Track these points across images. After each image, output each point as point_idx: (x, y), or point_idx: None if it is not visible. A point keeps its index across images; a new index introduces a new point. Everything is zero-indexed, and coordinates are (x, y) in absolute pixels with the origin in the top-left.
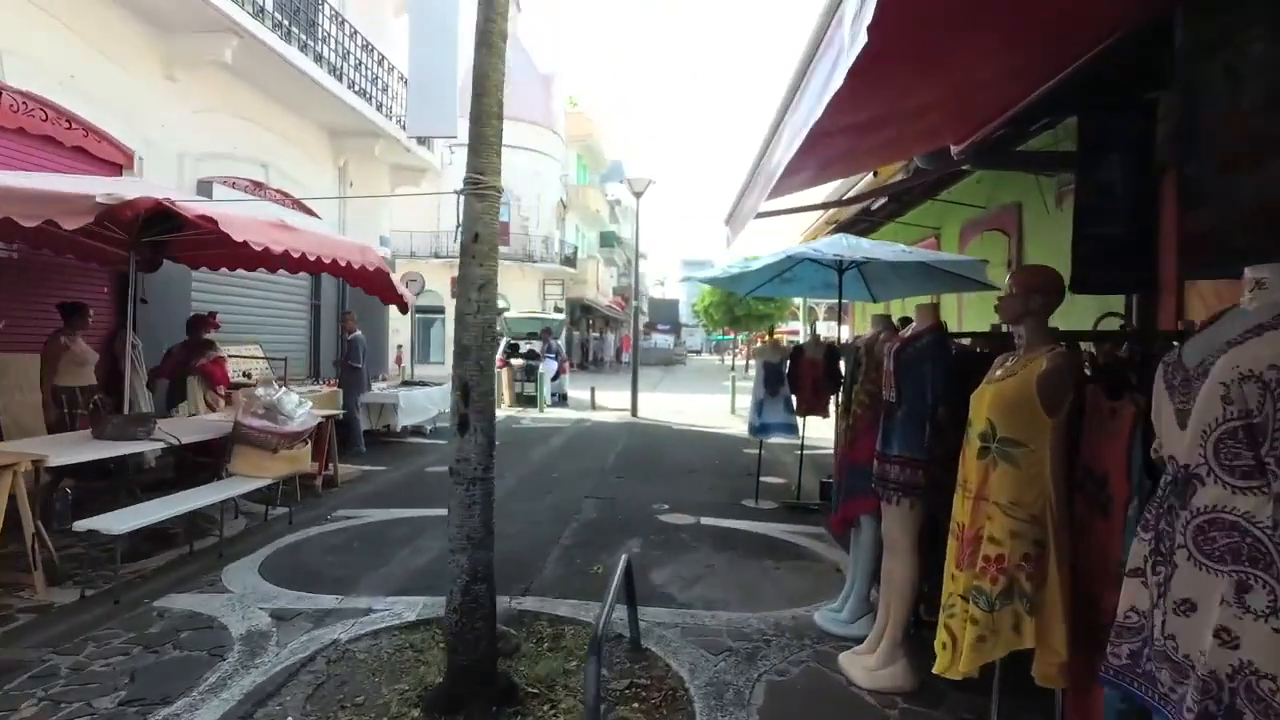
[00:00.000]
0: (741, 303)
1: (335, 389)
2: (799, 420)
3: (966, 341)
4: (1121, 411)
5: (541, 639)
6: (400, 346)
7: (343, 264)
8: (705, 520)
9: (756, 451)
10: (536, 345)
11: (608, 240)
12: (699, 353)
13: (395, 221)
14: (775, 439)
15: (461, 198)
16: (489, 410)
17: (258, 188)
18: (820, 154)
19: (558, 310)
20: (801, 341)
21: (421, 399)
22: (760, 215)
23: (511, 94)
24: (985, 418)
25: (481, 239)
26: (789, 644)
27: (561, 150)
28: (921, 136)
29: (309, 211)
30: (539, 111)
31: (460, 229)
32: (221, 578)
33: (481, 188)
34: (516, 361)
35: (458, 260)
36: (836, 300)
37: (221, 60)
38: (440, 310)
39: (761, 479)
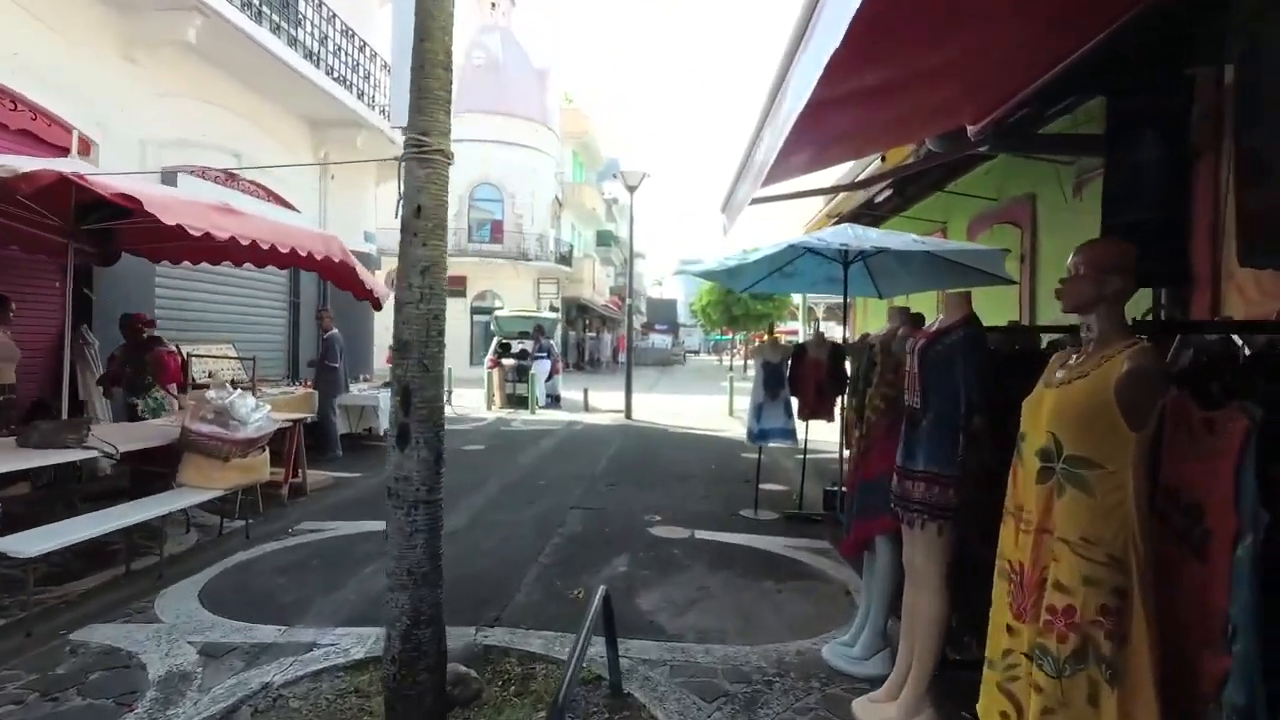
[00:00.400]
0: (739, 302)
1: (311, 390)
2: (800, 425)
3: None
4: (1223, 424)
5: (509, 680)
6: (393, 346)
7: (302, 254)
8: (700, 534)
9: (755, 457)
10: (529, 345)
11: (605, 239)
12: (697, 353)
13: (386, 219)
14: (775, 445)
15: (470, 195)
16: (435, 418)
17: (230, 179)
18: (823, 130)
19: (553, 309)
20: (803, 340)
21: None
22: (758, 200)
23: (504, 88)
24: (1046, 430)
25: (426, 213)
26: (794, 686)
27: (557, 147)
28: (934, 115)
29: (286, 205)
30: (533, 107)
31: (401, 202)
32: (155, 604)
33: (425, 151)
34: (508, 362)
35: (452, 259)
36: (840, 297)
37: (185, 40)
38: None
39: (761, 486)
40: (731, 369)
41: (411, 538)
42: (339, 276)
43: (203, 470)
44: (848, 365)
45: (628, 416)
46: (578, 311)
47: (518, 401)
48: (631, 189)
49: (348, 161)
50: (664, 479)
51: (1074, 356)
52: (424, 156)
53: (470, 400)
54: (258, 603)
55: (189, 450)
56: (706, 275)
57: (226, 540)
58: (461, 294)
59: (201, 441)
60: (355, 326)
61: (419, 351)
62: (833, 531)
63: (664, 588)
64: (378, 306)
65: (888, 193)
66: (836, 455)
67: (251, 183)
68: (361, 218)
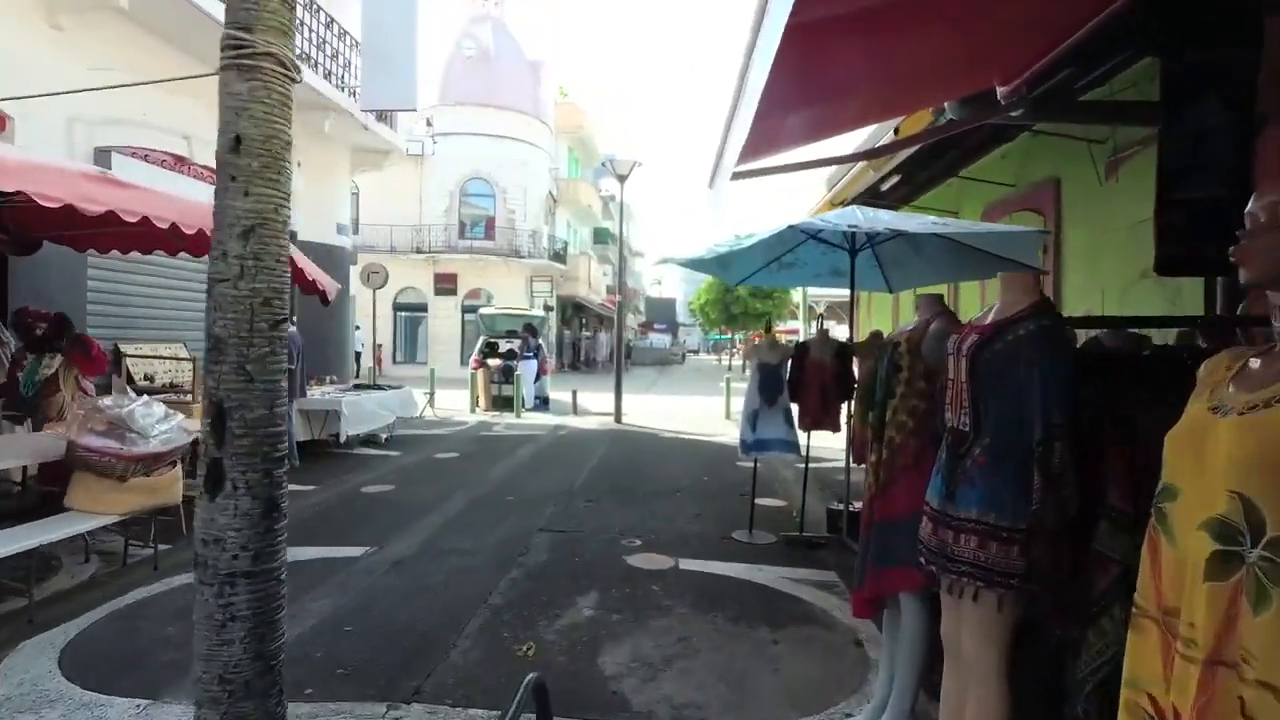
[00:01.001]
0: (738, 300)
1: None
2: (802, 436)
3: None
4: None
5: None
6: (380, 346)
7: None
8: (685, 563)
9: (751, 467)
10: (517, 344)
11: (602, 237)
12: (697, 352)
13: (373, 214)
14: (773, 456)
15: (460, 190)
16: (268, 451)
17: (179, 162)
18: (825, 75)
19: (547, 308)
20: (805, 339)
21: (371, 405)
22: (751, 174)
23: (496, 80)
24: (1227, 490)
25: (249, 147)
26: None
27: (551, 142)
28: (956, 71)
29: None
30: (526, 100)
31: (220, 133)
32: (2, 661)
33: (247, 54)
34: (493, 362)
35: (441, 256)
36: (846, 291)
37: (115, 5)
38: (424, 308)
39: (757, 501)
40: (730, 369)
41: (226, 629)
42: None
43: (93, 492)
44: (855, 367)
45: (617, 420)
46: (574, 310)
47: (504, 404)
48: (621, 178)
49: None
50: (650, 493)
51: (1249, 362)
52: (246, 63)
53: (456, 403)
54: (129, 664)
55: (78, 468)
56: (695, 265)
57: (129, 573)
58: (452, 292)
59: (91, 458)
60: (324, 324)
61: (238, 353)
62: (838, 558)
63: (636, 639)
64: (325, 301)
65: (895, 179)
66: (843, 467)
67: (205, 169)
68: (334, 208)
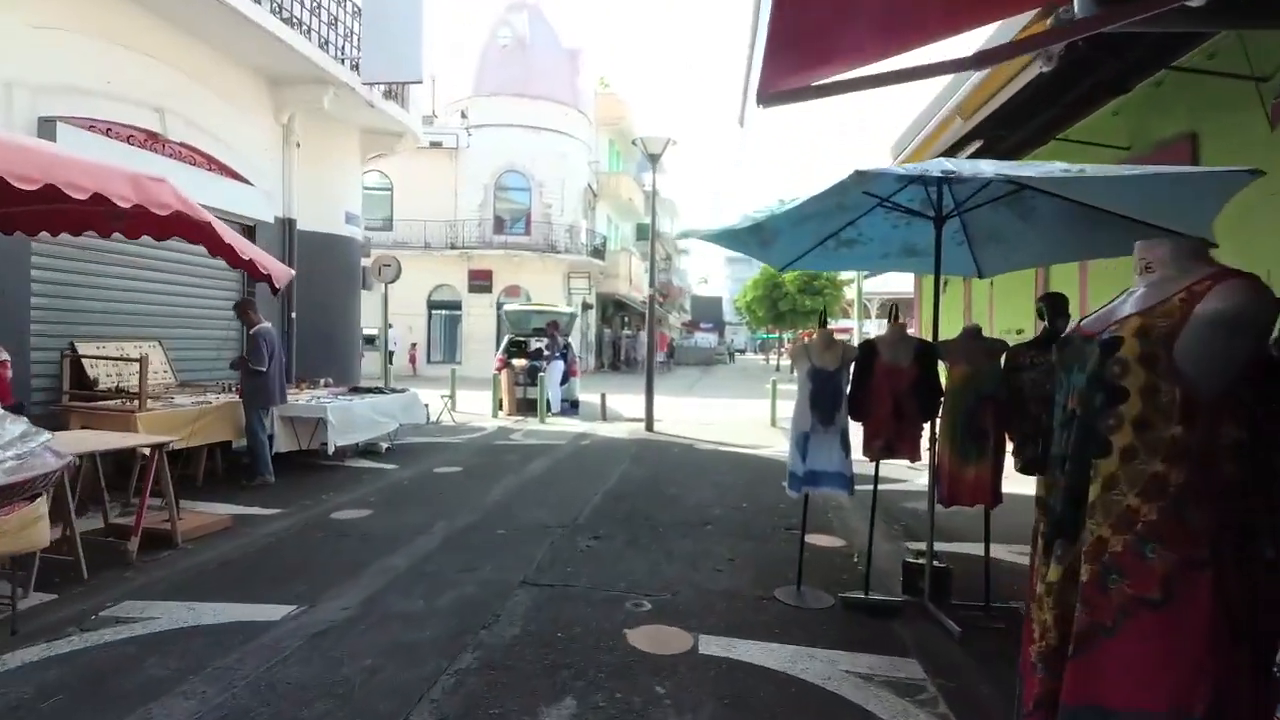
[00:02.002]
0: (786, 297)
1: (238, 401)
2: (851, 463)
3: None
4: None
5: None
6: (414, 345)
7: (81, 195)
8: (708, 643)
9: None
10: (545, 344)
11: (644, 233)
12: (743, 351)
13: (407, 209)
14: (827, 493)
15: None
16: None
17: (151, 139)
18: None
19: (586, 306)
20: (873, 336)
21: (366, 411)
22: (792, 95)
23: (532, 70)
24: None
25: None
26: None
27: (590, 134)
28: None
29: (235, 176)
30: (563, 89)
31: None
32: None
33: None
34: (518, 362)
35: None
36: (906, 283)
37: None
38: (459, 306)
39: (807, 539)
40: (778, 369)
41: None
42: (190, 236)
43: None
44: (942, 374)
45: (649, 428)
46: (614, 308)
47: (530, 407)
48: (654, 157)
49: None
50: (672, 526)
51: None
52: None
53: (482, 405)
54: None
55: None
56: (726, 240)
57: None
58: (486, 289)
59: None
60: (328, 321)
61: None
62: (920, 636)
63: None
64: (273, 289)
65: (975, 145)
66: (916, 488)
67: (182, 146)
68: (341, 195)
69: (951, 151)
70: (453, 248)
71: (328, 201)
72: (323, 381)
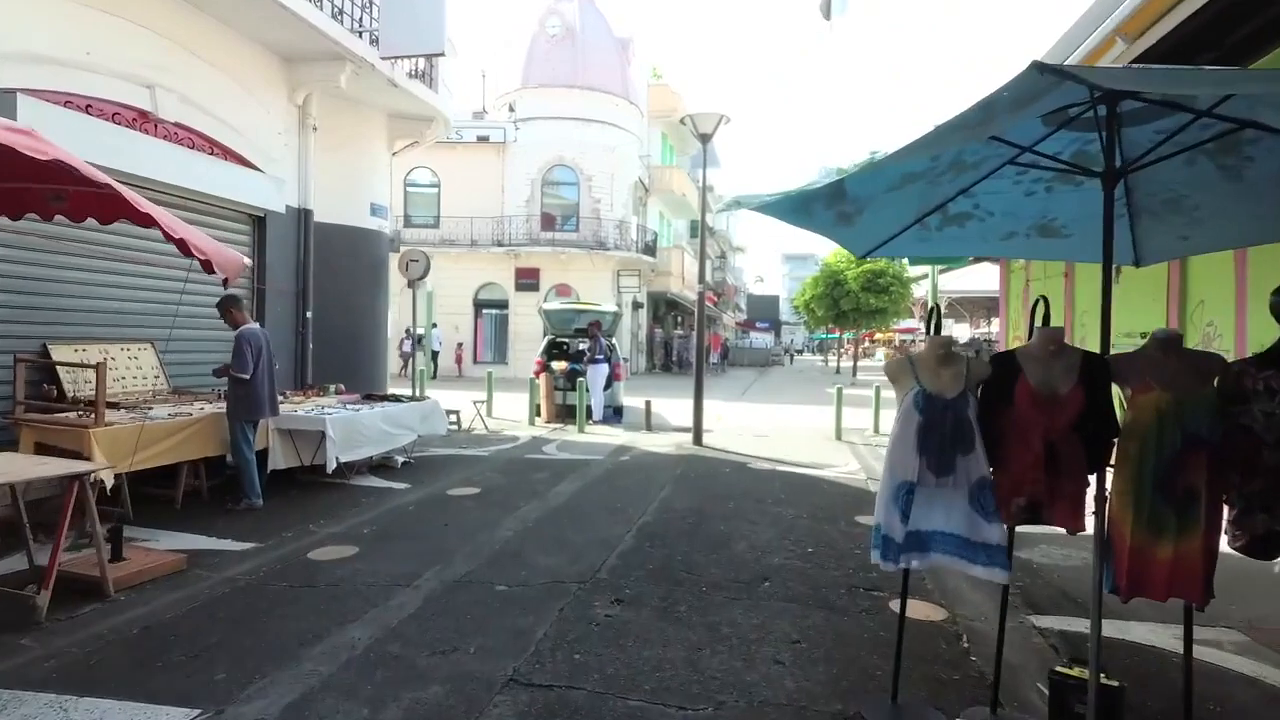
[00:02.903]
0: (848, 295)
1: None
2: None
3: None
4: None
5: None
6: (460, 345)
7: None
8: None
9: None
10: (586, 345)
11: (698, 230)
12: (801, 352)
13: (453, 206)
14: (944, 562)
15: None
16: None
17: (142, 118)
18: None
19: (636, 305)
20: (1012, 347)
21: (375, 422)
22: None
23: (581, 60)
24: None
25: None
26: None
27: (641, 126)
28: None
29: (241, 160)
30: (614, 80)
31: None
32: None
33: None
34: (558, 365)
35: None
36: (988, 278)
37: None
38: (505, 305)
39: (892, 605)
40: (839, 370)
41: None
42: (135, 218)
43: None
44: (1117, 398)
45: (697, 441)
46: (666, 307)
47: (569, 414)
48: (705, 136)
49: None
50: (719, 585)
51: None
52: None
53: (521, 411)
54: None
55: None
56: (790, 213)
57: None
58: (533, 288)
59: None
60: (350, 320)
61: None
62: None
63: None
64: (208, 269)
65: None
66: (1049, 531)
67: (178, 127)
68: (366, 185)
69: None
70: (499, 245)
71: (350, 192)
72: (334, 388)
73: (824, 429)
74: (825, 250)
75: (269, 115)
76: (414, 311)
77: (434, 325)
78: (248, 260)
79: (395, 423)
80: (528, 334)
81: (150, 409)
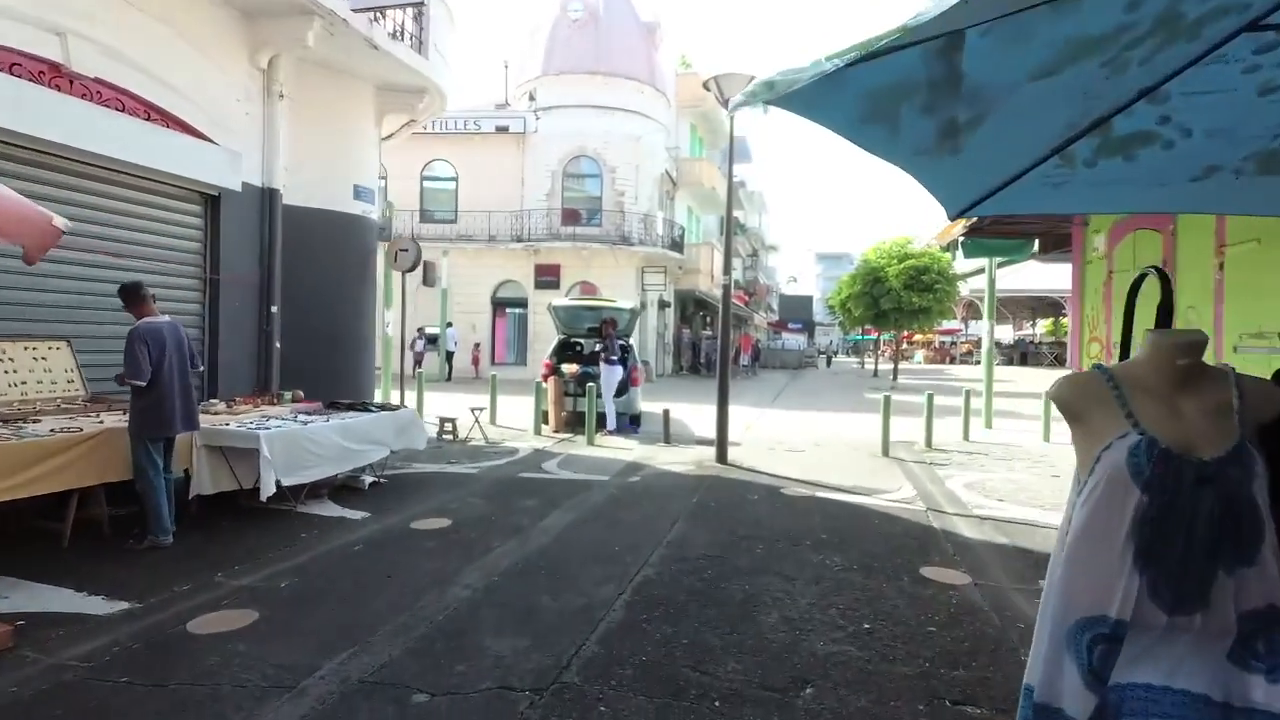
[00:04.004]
0: (889, 293)
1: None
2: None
3: None
4: None
5: None
6: (477, 345)
7: None
8: None
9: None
10: (602, 346)
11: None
12: (837, 353)
13: (471, 199)
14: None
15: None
16: None
17: (53, 71)
18: None
19: (664, 304)
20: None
21: (332, 436)
22: None
23: (605, 45)
24: None
25: None
26: None
27: (668, 115)
28: None
29: (190, 130)
30: (639, 66)
31: None
32: None
33: None
34: (568, 368)
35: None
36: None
37: None
38: (525, 303)
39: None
40: (876, 373)
41: None
42: None
43: None
44: None
45: (720, 459)
46: (695, 307)
47: (580, 423)
48: (727, 104)
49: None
50: (739, 697)
51: None
52: None
53: (529, 418)
54: None
55: None
56: (846, 115)
57: None
58: (553, 285)
59: None
60: (336, 316)
61: None
62: None
63: None
64: (29, 258)
65: None
66: None
67: (99, 84)
68: (350, 165)
69: None
70: (518, 240)
71: (331, 172)
72: (290, 395)
73: (867, 442)
74: (861, 247)
75: (225, 79)
76: (493, 315)
77: (449, 324)
78: (61, 223)
79: (359, 437)
80: (547, 334)
81: (38, 421)
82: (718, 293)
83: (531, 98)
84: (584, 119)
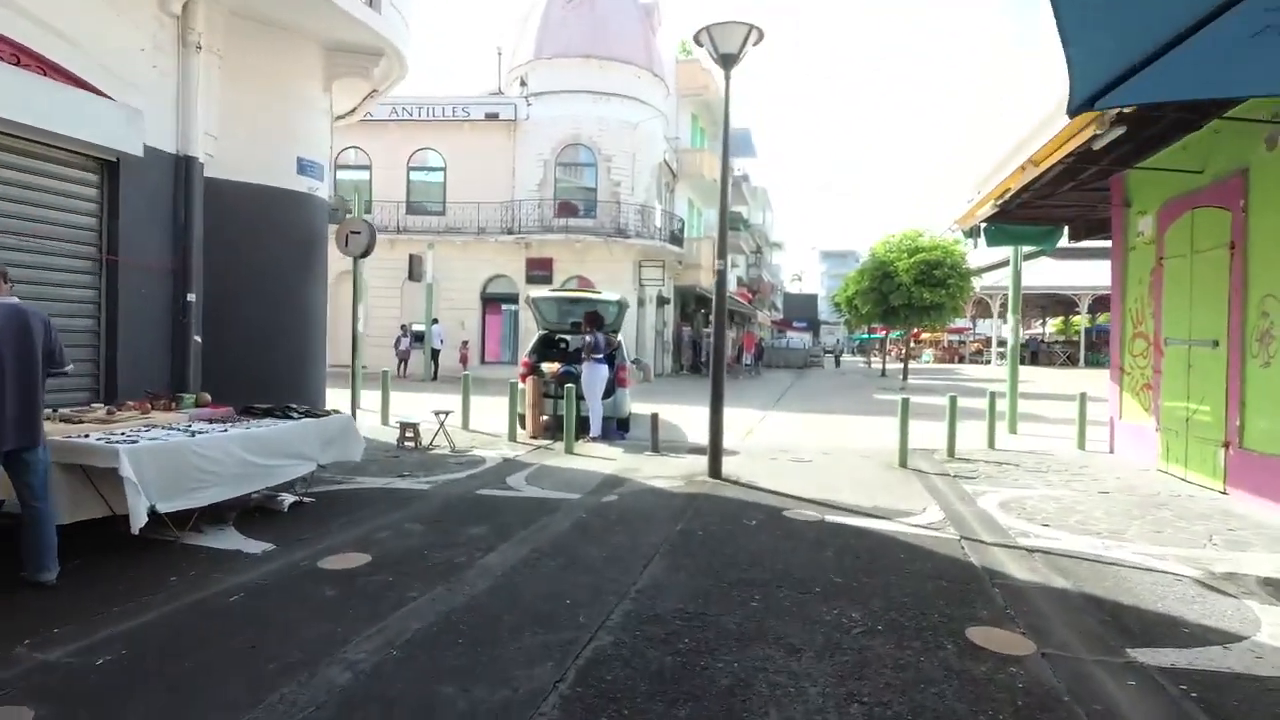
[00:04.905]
0: (899, 289)
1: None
2: None
3: None
4: None
5: None
6: (465, 343)
7: None
8: None
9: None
10: (587, 342)
11: (731, 222)
12: (843, 353)
13: (460, 191)
14: None
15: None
16: None
17: None
18: None
19: (663, 300)
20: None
21: (231, 450)
22: None
23: (600, 28)
24: None
25: None
26: None
27: (668, 103)
28: None
29: (75, 81)
30: (636, 50)
31: None
32: None
33: None
34: (548, 367)
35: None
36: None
37: None
38: (515, 299)
39: None
40: (884, 373)
41: None
42: None
43: None
44: None
45: (713, 472)
46: (695, 303)
47: (561, 427)
48: (727, 58)
49: None
50: None
51: None
52: None
53: (505, 423)
54: None
55: None
56: None
57: None
58: (545, 280)
59: None
60: (274, 309)
61: None
62: None
63: None
64: None
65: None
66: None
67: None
68: (291, 134)
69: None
70: (509, 233)
71: (267, 141)
72: (193, 399)
73: (881, 451)
74: (867, 245)
75: (124, 25)
76: (483, 310)
77: (435, 321)
78: None
79: (271, 450)
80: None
81: None
82: None
83: (523, 83)
84: (578, 105)
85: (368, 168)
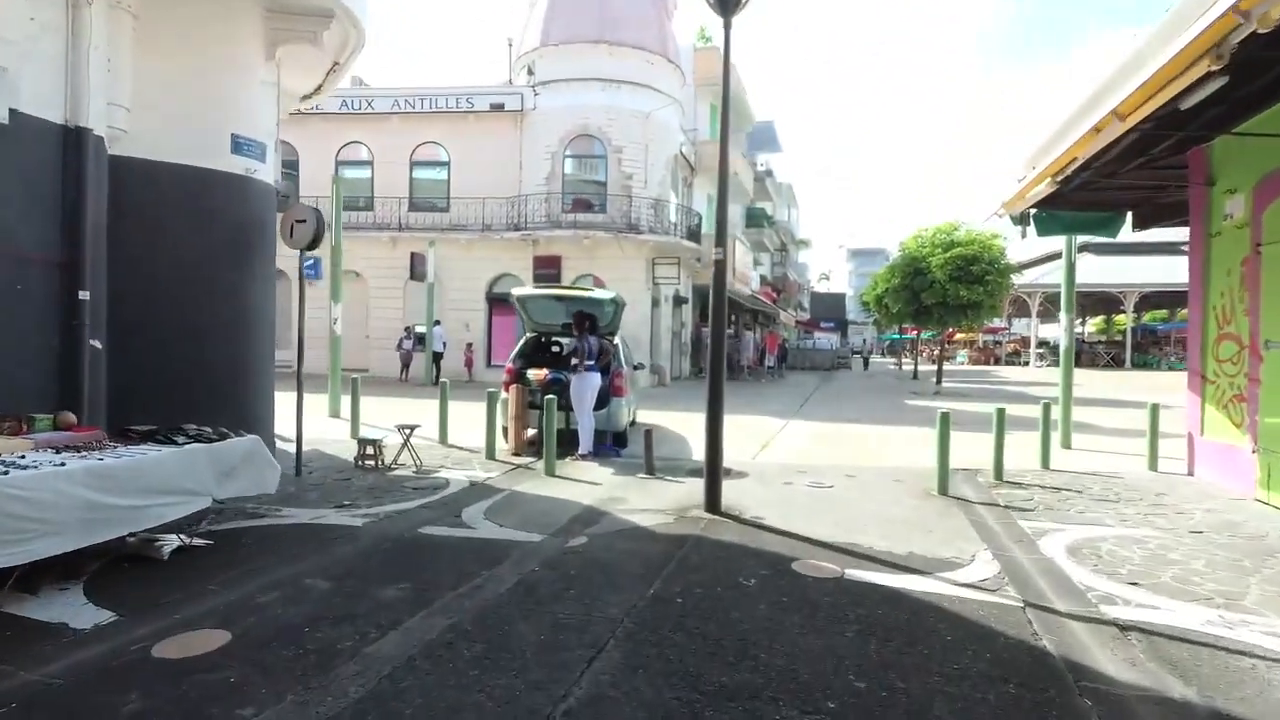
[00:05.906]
0: (932, 286)
1: None
2: None
3: None
4: None
5: None
6: (470, 345)
7: None
8: None
9: None
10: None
11: (755, 218)
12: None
13: (465, 186)
14: None
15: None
16: None
17: None
18: None
19: (680, 300)
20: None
21: (71, 489)
22: None
23: (611, 11)
24: None
25: None
26: None
27: (684, 93)
28: None
29: None
30: (649, 35)
31: None
32: None
33: None
34: (534, 374)
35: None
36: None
37: None
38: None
39: None
40: (916, 375)
41: None
42: None
43: None
44: None
45: (710, 506)
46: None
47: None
48: (724, 4)
49: None
50: None
51: None
52: None
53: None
54: None
55: None
56: None
57: None
58: (556, 278)
59: None
60: (204, 310)
61: None
62: None
63: None
64: None
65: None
66: None
67: None
68: (224, 107)
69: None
70: (515, 229)
71: (195, 115)
72: (50, 421)
73: (915, 472)
74: (895, 244)
75: None
76: (489, 314)
77: (436, 322)
78: None
79: (135, 487)
80: None
81: None
82: (742, 289)
83: (530, 72)
84: (587, 94)
85: (369, 163)
